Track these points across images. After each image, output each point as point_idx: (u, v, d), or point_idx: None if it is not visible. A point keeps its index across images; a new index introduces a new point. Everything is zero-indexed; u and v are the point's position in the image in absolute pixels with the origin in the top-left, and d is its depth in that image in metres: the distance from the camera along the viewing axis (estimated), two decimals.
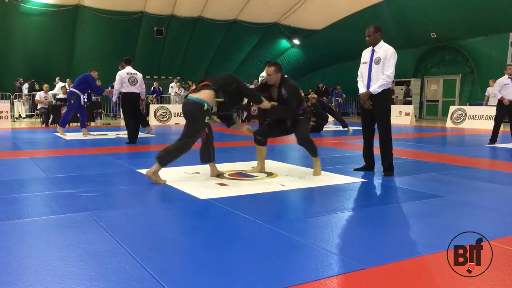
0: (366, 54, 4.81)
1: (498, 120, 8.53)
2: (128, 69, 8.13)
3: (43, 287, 1.92)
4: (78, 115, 10.27)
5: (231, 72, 21.63)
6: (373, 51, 4.74)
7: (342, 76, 21.62)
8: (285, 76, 4.83)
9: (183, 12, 19.15)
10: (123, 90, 8.00)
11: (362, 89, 4.79)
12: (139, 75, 8.20)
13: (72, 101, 9.51)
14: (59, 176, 4.62)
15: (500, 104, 8.49)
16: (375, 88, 4.62)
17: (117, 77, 8.05)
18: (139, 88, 8.13)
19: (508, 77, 8.38)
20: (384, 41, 4.75)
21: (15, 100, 16.21)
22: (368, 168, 5.00)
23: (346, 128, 11.31)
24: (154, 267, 2.13)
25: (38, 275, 2.04)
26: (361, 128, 5.06)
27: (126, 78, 7.96)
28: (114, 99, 8.24)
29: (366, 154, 5.00)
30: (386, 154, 4.74)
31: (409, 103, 17.71)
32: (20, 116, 16.51)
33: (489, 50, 16.96)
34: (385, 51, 4.65)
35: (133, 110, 8.19)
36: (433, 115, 19.42)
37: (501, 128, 12.74)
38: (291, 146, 7.99)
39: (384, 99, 4.71)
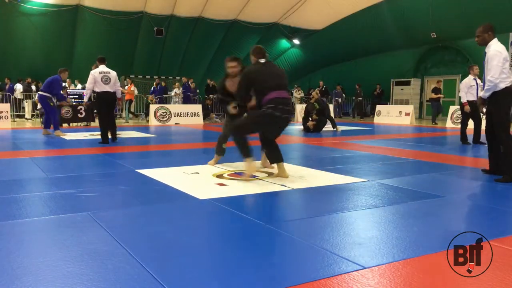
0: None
1: (464, 123, 8.49)
2: (102, 67, 8.06)
3: (43, 287, 1.91)
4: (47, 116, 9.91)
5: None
6: (485, 52, 4.46)
7: (342, 76, 21.63)
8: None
9: (183, 12, 19.14)
10: (97, 90, 7.93)
11: None
12: (113, 74, 8.11)
13: (51, 104, 9.58)
14: (59, 176, 4.62)
15: (462, 107, 8.43)
16: (483, 93, 4.36)
17: (90, 76, 8.00)
18: (113, 87, 8.02)
19: (474, 78, 8.27)
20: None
21: (25, 100, 16.19)
22: (492, 171, 4.63)
23: (335, 129, 11.42)
24: (154, 267, 2.13)
25: (38, 275, 2.04)
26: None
27: (99, 77, 7.90)
28: (85, 99, 8.16)
29: (489, 155, 4.67)
30: (505, 159, 4.40)
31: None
32: (35, 115, 16.42)
33: None
34: (489, 52, 4.32)
35: (110, 109, 8.16)
36: None
37: None
38: (291, 146, 7.99)
39: (497, 103, 4.32)
